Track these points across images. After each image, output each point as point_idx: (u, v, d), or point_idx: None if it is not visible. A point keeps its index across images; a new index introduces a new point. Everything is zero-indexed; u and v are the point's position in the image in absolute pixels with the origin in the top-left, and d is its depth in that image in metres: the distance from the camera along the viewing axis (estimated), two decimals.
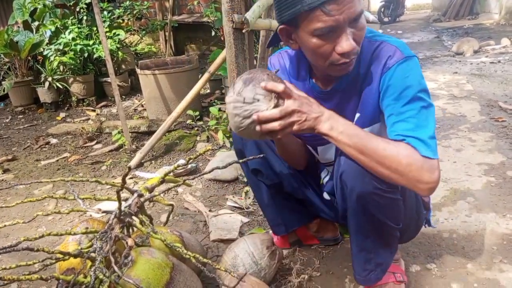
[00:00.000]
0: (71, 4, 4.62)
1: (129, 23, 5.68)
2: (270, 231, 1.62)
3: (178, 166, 1.24)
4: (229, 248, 1.43)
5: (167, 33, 6.13)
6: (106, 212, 2.03)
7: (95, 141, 3.41)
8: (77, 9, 4.62)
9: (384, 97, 1.07)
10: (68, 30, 4.46)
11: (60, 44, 4.37)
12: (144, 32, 5.91)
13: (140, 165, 2.76)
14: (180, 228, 1.86)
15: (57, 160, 3.06)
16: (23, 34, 4.53)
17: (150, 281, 1.02)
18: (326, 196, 1.43)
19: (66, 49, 4.38)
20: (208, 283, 1.42)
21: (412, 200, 1.23)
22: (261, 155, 1.23)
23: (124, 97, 4.82)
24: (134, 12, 5.40)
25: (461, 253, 1.53)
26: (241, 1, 2.05)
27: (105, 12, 4.77)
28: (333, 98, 1.18)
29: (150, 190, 1.31)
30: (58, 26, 4.54)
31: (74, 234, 1.12)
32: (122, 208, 1.15)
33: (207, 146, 2.38)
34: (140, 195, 1.26)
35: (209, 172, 1.24)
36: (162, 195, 1.37)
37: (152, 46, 6.40)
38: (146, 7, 5.50)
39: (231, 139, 2.78)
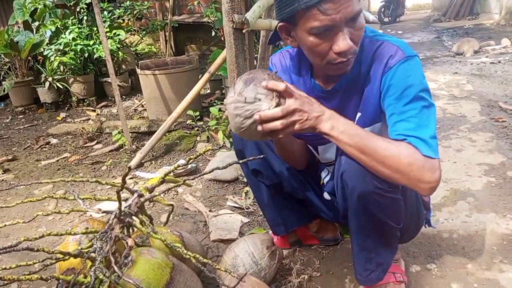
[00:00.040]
0: (71, 4, 4.62)
1: (130, 23, 5.68)
2: (270, 231, 1.62)
3: (178, 166, 1.24)
4: (229, 248, 1.43)
5: (167, 33, 6.13)
6: (106, 212, 2.03)
7: (95, 141, 3.41)
8: (78, 9, 4.63)
9: (386, 97, 1.07)
10: (69, 30, 4.47)
11: (60, 44, 4.37)
12: (144, 32, 5.92)
13: (140, 165, 2.76)
14: (180, 228, 1.86)
15: (57, 160, 3.06)
16: (23, 34, 4.53)
17: (150, 281, 1.02)
18: (326, 196, 1.43)
19: (67, 49, 4.38)
20: (208, 283, 1.42)
21: (412, 200, 1.23)
22: (261, 156, 1.23)
23: (124, 97, 4.82)
24: (135, 12, 5.42)
25: (461, 253, 1.53)
26: (241, 1, 2.05)
27: (106, 12, 4.78)
28: (334, 97, 1.18)
29: (150, 190, 1.31)
30: (59, 26, 4.55)
31: (74, 234, 1.12)
32: (122, 208, 1.15)
33: (207, 146, 2.38)
34: (140, 195, 1.25)
35: (209, 172, 1.24)
36: (162, 195, 1.37)
37: (152, 46, 6.40)
38: (147, 7, 5.51)
39: (231, 139, 2.78)
